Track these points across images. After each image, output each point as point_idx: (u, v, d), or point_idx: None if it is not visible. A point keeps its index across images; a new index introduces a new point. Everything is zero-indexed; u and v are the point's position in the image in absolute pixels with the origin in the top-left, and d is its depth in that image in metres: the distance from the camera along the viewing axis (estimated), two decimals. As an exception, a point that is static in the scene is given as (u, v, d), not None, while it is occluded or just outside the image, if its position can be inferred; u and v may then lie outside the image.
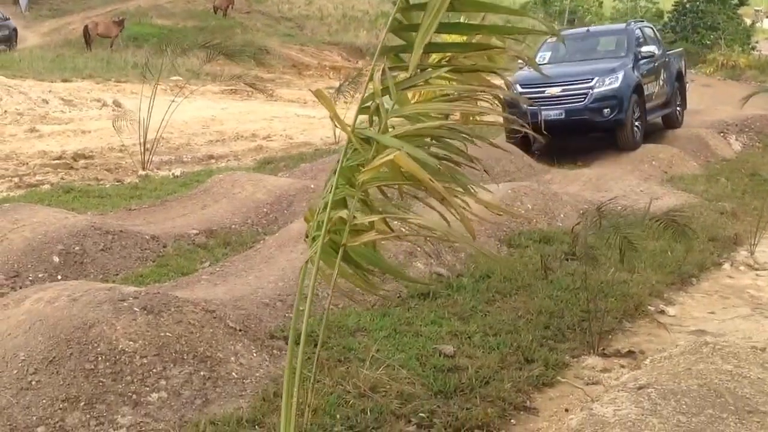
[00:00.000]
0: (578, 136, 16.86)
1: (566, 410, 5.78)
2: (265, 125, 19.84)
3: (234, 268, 8.22)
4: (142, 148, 14.07)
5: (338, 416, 5.45)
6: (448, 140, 4.03)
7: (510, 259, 8.78)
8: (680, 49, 22.57)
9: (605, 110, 16.01)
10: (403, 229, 4.18)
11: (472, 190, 3.99)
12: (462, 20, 4.00)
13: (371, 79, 3.82)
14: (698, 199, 13.01)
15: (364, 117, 4.03)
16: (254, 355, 6.22)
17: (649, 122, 17.98)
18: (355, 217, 3.93)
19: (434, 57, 4.06)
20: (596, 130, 16.57)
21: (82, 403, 5.36)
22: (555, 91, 15.95)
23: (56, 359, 5.54)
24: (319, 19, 52.94)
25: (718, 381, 5.21)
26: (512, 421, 5.77)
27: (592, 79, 16.15)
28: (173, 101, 13.88)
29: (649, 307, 8.20)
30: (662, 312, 8.18)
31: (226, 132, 18.87)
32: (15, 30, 37.86)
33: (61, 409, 5.31)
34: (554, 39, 17.30)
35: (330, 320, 6.98)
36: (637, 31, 18.38)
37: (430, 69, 3.95)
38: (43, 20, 46.76)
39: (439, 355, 6.46)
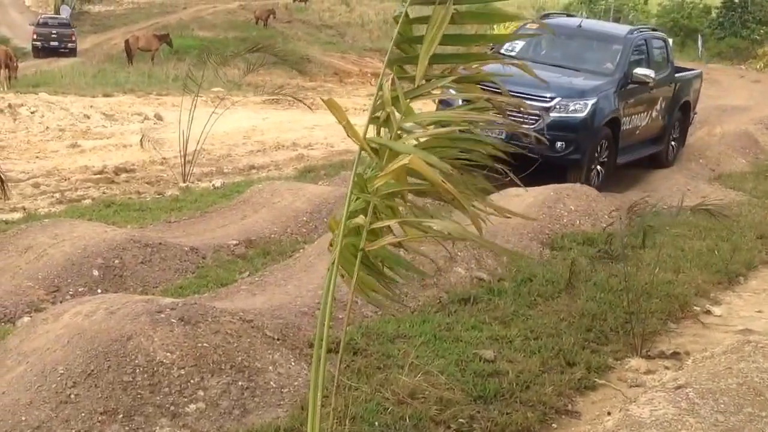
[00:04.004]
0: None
1: (608, 413, 5.69)
2: (306, 134, 19.85)
3: (273, 278, 8.19)
4: (183, 160, 14.12)
5: (377, 423, 5.41)
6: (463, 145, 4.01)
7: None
8: (698, 71, 17.91)
9: (558, 144, 12.16)
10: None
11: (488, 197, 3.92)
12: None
13: (380, 88, 3.83)
14: (746, 196, 12.85)
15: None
16: (292, 364, 6.18)
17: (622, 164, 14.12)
18: (372, 222, 3.92)
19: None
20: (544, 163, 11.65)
21: (121, 416, 5.35)
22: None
23: (94, 372, 5.55)
24: (360, 26, 53.22)
25: (759, 380, 5.11)
26: (553, 425, 5.70)
27: (552, 99, 12.35)
28: (214, 113, 13.92)
29: (695, 308, 8.09)
30: (708, 312, 8.07)
31: (267, 142, 18.91)
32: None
33: (99, 422, 5.31)
34: (535, 26, 13.78)
35: (369, 327, 6.97)
36: (640, 44, 14.29)
37: (434, 80, 3.97)
38: (85, 36, 47.42)
39: (480, 360, 6.40)
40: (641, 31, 15.01)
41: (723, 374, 5.29)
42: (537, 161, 10.00)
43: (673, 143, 15.68)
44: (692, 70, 17.63)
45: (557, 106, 12.36)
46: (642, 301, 7.32)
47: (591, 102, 12.56)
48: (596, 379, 6.33)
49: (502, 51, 13.16)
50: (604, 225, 10.32)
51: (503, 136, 10.86)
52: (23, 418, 5.23)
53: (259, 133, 20.04)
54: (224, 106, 15.15)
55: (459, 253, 8.46)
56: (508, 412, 5.66)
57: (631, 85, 13.47)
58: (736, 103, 23.57)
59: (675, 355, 6.91)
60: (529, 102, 11.43)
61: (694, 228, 10.05)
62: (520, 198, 11.08)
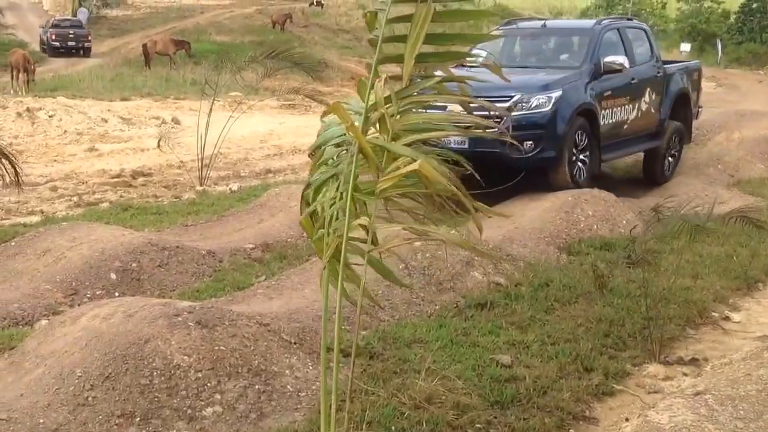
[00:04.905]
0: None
1: (626, 419, 5.66)
2: (322, 138, 19.87)
3: (290, 282, 8.19)
4: (200, 164, 14.16)
5: (393, 428, 5.39)
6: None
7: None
8: (695, 61, 17.15)
9: (526, 143, 11.37)
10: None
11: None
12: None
13: (372, 88, 3.86)
14: (765, 202, 12.74)
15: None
16: (310, 368, 6.18)
17: (610, 162, 13.79)
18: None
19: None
20: (515, 168, 11.02)
21: (138, 419, 5.36)
22: (458, 108, 10.22)
23: (112, 375, 5.56)
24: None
25: (778, 386, 5.08)
26: (571, 431, 5.66)
27: (512, 97, 11.40)
28: (231, 117, 13.95)
29: (714, 314, 8.01)
30: (727, 318, 7.99)
31: (283, 146, 18.96)
32: None
33: (117, 425, 5.32)
34: (500, 32, 13.37)
35: (386, 331, 6.96)
36: (610, 35, 13.41)
37: (419, 80, 4.05)
38: (103, 40, 47.72)
39: (497, 365, 6.36)
40: (612, 21, 14.22)
41: (742, 381, 5.26)
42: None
43: (670, 159, 14.70)
44: (688, 61, 17.17)
45: (518, 104, 11.44)
46: (660, 307, 7.27)
47: (555, 95, 11.71)
48: (614, 385, 6.28)
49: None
50: (622, 230, 10.30)
51: (466, 145, 10.65)
52: (41, 421, 5.25)
53: (275, 138, 20.10)
54: (241, 111, 15.19)
55: (476, 258, 8.44)
56: (525, 418, 5.63)
57: (605, 76, 12.69)
58: (755, 108, 23.43)
59: (693, 361, 6.86)
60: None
61: (713, 233, 9.99)
62: (537, 203, 11.07)
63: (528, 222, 10.31)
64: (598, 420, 5.85)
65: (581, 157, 12.21)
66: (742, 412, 4.83)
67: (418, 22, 3.64)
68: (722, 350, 7.09)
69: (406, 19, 3.78)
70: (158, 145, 14.88)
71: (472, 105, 4.36)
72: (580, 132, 12.12)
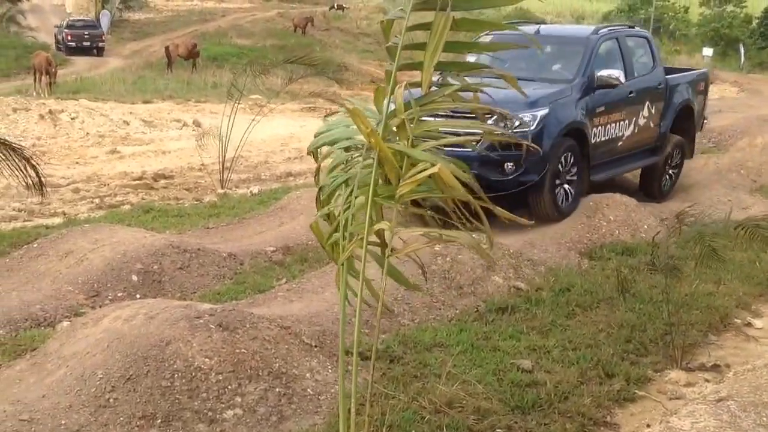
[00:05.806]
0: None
1: (648, 425, 5.63)
2: (343, 141, 19.88)
3: (310, 285, 8.20)
4: (221, 166, 14.19)
5: (413, 432, 5.39)
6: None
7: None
8: (702, 70, 16.32)
9: (507, 165, 10.38)
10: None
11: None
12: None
13: (392, 94, 3.87)
14: (788, 207, 12.65)
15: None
16: (330, 371, 6.18)
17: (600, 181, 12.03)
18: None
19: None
20: (496, 191, 8.82)
21: (159, 421, 5.38)
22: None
23: (133, 377, 5.58)
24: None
25: (801, 393, 5.04)
26: (592, 437, 5.64)
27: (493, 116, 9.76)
28: (253, 120, 13.98)
29: (736, 320, 7.98)
30: (749, 324, 7.95)
31: (304, 149, 18.83)
32: None
33: (138, 426, 5.33)
34: (489, 38, 11.24)
35: (406, 335, 6.96)
36: (607, 44, 12.43)
37: (436, 89, 4.09)
38: (125, 43, 47.99)
39: (517, 370, 6.36)
40: (611, 30, 13.00)
41: (765, 387, 5.23)
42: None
43: (669, 175, 13.71)
44: (694, 70, 15.86)
45: (500, 123, 9.88)
46: (682, 313, 7.25)
47: (541, 113, 10.62)
48: (635, 391, 6.26)
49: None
50: (644, 235, 10.25)
51: None
52: (63, 422, 5.28)
53: (296, 141, 20.10)
54: (262, 114, 15.22)
55: (497, 262, 8.43)
56: (546, 423, 5.62)
57: (599, 91, 11.65)
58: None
59: (715, 367, 6.83)
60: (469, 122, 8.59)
61: (735, 239, 9.91)
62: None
63: (549, 227, 10.29)
64: (620, 426, 5.83)
65: (567, 180, 11.21)
66: (765, 418, 4.80)
67: (437, 30, 3.65)
68: (744, 356, 7.05)
69: (425, 26, 3.79)
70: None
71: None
72: (567, 154, 11.14)
